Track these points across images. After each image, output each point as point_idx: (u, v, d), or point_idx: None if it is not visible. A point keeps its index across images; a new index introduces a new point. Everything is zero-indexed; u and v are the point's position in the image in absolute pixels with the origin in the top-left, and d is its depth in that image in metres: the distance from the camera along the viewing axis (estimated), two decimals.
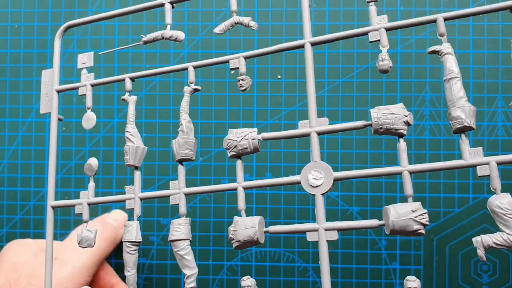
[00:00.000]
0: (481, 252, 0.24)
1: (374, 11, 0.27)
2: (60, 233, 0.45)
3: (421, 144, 0.43)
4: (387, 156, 0.43)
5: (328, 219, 0.44)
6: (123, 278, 0.44)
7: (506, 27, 0.44)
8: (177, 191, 0.29)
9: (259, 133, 0.28)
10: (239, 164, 0.28)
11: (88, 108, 0.31)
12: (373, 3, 0.27)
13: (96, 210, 0.45)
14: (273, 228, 0.27)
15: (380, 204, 0.43)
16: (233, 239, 0.27)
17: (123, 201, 0.30)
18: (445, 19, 0.26)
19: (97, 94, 0.46)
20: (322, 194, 0.26)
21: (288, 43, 0.28)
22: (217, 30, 0.30)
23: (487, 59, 0.44)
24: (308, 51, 0.28)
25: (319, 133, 0.27)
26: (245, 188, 0.28)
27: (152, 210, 0.45)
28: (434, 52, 0.26)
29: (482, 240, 0.24)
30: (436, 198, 0.43)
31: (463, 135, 0.25)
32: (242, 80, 0.28)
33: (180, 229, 0.29)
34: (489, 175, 0.24)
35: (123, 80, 0.31)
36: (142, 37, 0.31)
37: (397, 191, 0.43)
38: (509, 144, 0.43)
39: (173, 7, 0.31)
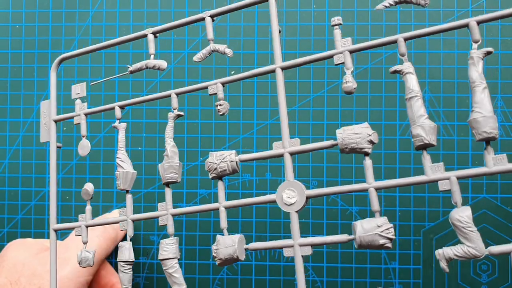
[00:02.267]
0: (443, 264, 0.25)
1: (339, 35, 0.28)
2: (61, 233, 0.46)
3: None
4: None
5: (328, 219, 0.44)
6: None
7: (505, 27, 0.44)
8: (165, 212, 0.32)
9: (237, 155, 0.29)
10: (220, 185, 0.30)
11: (83, 136, 0.33)
12: (337, 26, 0.28)
13: (96, 210, 0.45)
14: (252, 246, 0.28)
15: (380, 204, 0.43)
16: (215, 257, 0.28)
17: (118, 222, 0.33)
18: (405, 39, 0.27)
19: (98, 94, 0.46)
20: (296, 212, 0.27)
21: (260, 69, 0.30)
22: (196, 58, 0.32)
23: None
24: (279, 75, 0.30)
25: (291, 153, 0.29)
26: (226, 208, 0.30)
27: (153, 209, 0.45)
28: (396, 71, 0.27)
29: (443, 253, 0.25)
30: (435, 198, 0.43)
31: (424, 152, 0.26)
32: (220, 105, 0.30)
33: (168, 248, 0.31)
34: (449, 190, 0.25)
35: (113, 108, 0.33)
36: (128, 67, 0.33)
37: (396, 191, 0.43)
38: (509, 144, 0.43)
39: (155, 37, 0.32)
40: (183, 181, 0.45)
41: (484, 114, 0.25)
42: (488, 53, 0.26)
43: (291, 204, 0.28)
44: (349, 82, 0.28)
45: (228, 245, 0.28)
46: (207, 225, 0.44)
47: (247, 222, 0.44)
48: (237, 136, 0.45)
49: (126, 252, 0.32)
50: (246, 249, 0.29)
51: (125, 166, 0.32)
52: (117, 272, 0.43)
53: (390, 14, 0.44)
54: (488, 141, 0.25)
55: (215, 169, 0.30)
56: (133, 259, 0.32)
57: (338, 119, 0.44)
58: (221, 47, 0.31)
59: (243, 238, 0.29)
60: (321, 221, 0.44)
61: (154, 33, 0.32)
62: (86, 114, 0.33)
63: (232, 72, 0.45)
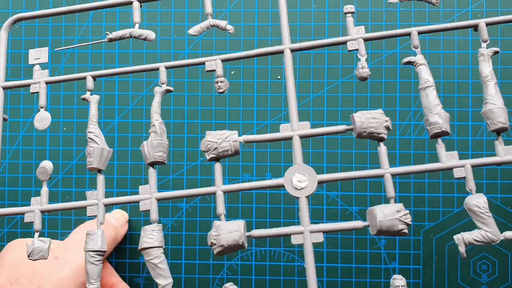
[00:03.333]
0: (462, 249, 0.25)
1: (352, 22, 0.28)
2: (61, 233, 0.46)
3: (420, 144, 0.43)
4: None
5: (328, 219, 0.44)
6: (123, 277, 0.44)
7: (505, 27, 0.44)
8: (148, 195, 0.28)
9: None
10: (217, 167, 0.27)
11: (41, 107, 0.29)
12: (350, 14, 0.28)
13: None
14: (256, 232, 0.26)
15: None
16: (215, 244, 0.26)
17: (84, 207, 0.28)
18: (419, 33, 0.28)
19: (98, 94, 0.46)
20: (307, 197, 0.26)
21: (268, 48, 0.29)
22: (191, 31, 0.30)
23: None
24: (288, 56, 0.29)
25: (301, 136, 0.27)
26: (225, 192, 0.27)
27: None
28: (409, 62, 0.28)
29: (463, 238, 0.26)
30: (435, 198, 0.43)
31: (439, 140, 0.27)
32: (221, 82, 0.29)
33: (153, 236, 0.28)
34: (465, 177, 0.26)
35: (84, 78, 0.29)
36: (108, 34, 0.29)
37: (397, 191, 0.43)
38: (509, 144, 0.43)
39: (141, 6, 0.30)
40: (183, 181, 0.45)
41: (499, 105, 0.26)
42: (496, 52, 0.28)
43: (301, 188, 0.26)
44: (365, 68, 0.28)
45: (232, 230, 0.26)
46: (207, 225, 0.44)
47: (246, 207, 0.44)
48: None
49: (98, 240, 0.27)
50: (249, 236, 0.26)
51: (99, 141, 0.28)
52: (117, 272, 0.43)
53: (390, 14, 0.44)
54: (499, 132, 0.26)
55: (215, 148, 0.27)
56: (105, 249, 0.28)
57: (338, 119, 0.44)
58: (222, 23, 0.29)
59: (246, 224, 0.27)
60: (321, 222, 0.44)
61: (140, 1, 0.30)
62: (47, 83, 0.29)
63: (232, 72, 0.45)
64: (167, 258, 0.45)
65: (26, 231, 0.46)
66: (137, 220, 0.45)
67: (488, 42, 0.28)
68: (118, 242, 0.42)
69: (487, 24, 0.28)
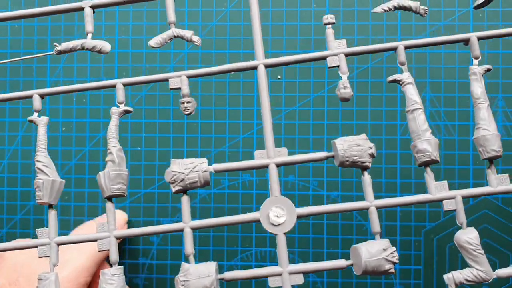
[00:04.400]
0: None
1: (332, 35, 0.25)
2: (60, 233, 0.45)
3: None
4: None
5: (328, 219, 0.44)
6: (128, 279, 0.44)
7: (506, 27, 0.43)
8: (107, 234, 0.25)
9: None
10: (184, 201, 0.24)
11: None
12: (329, 25, 0.25)
13: (96, 210, 0.45)
14: (229, 275, 0.23)
15: None
16: None
17: (35, 246, 0.25)
18: (406, 47, 0.26)
19: (97, 94, 0.46)
20: (285, 234, 0.24)
21: (241, 63, 0.26)
22: (151, 43, 0.26)
23: (486, 59, 0.44)
24: (262, 73, 0.26)
25: (278, 165, 0.25)
26: (193, 228, 0.24)
27: (152, 210, 0.45)
28: (395, 81, 0.26)
29: (453, 277, 0.24)
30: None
31: (428, 169, 0.25)
32: (187, 102, 0.25)
33: (113, 281, 0.24)
34: (455, 210, 0.24)
35: (31, 96, 0.26)
36: (56, 45, 0.26)
37: (397, 191, 0.43)
38: (509, 144, 0.43)
39: (94, 12, 0.26)
40: None
41: (492, 131, 0.25)
42: (488, 70, 0.25)
43: (279, 224, 0.24)
44: (347, 88, 0.25)
45: (203, 275, 0.23)
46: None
47: (246, 208, 0.44)
48: (237, 136, 0.45)
49: (51, 286, 0.24)
50: (221, 279, 0.23)
51: (49, 172, 0.25)
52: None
53: (390, 14, 0.44)
54: (492, 159, 0.24)
55: (182, 180, 0.24)
56: None
57: (339, 119, 0.44)
58: (187, 34, 0.26)
59: (217, 265, 0.24)
60: (321, 222, 0.44)
61: (92, 7, 0.26)
62: None
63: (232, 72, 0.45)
64: (167, 259, 0.45)
65: (25, 231, 0.46)
66: (137, 220, 0.45)
67: (479, 58, 0.25)
68: (117, 242, 0.42)
69: (479, 39, 0.25)
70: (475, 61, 0.25)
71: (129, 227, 0.45)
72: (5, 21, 0.28)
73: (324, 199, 0.44)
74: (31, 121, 0.26)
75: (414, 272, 0.43)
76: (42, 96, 0.26)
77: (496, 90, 0.43)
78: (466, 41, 0.25)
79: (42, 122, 0.26)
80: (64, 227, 0.45)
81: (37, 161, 0.25)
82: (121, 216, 0.44)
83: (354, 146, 0.24)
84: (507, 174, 0.24)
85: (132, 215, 0.45)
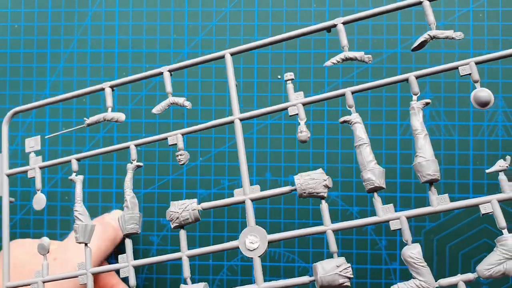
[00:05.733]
0: None
1: (292, 89, 0.30)
2: (60, 233, 0.45)
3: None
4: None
5: None
6: (123, 279, 0.44)
7: (506, 26, 0.44)
8: (126, 264, 0.31)
9: (199, 203, 0.30)
10: (182, 234, 0.30)
11: (38, 190, 0.33)
12: (290, 81, 0.30)
13: (96, 210, 0.45)
14: None
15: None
16: None
17: (76, 276, 0.31)
18: (353, 92, 0.30)
19: (97, 94, 0.46)
20: (259, 257, 0.28)
21: (219, 120, 0.32)
22: (155, 110, 0.32)
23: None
24: (238, 126, 0.31)
25: (252, 200, 0.30)
26: (189, 256, 0.30)
27: (152, 210, 0.45)
28: (345, 122, 0.30)
29: None
30: None
31: (375, 194, 0.28)
32: (181, 155, 0.31)
33: None
34: (400, 229, 0.27)
35: (69, 161, 0.32)
36: (85, 120, 0.32)
37: (397, 191, 0.43)
38: (509, 144, 0.43)
39: (113, 90, 0.33)
40: (182, 181, 0.45)
41: (427, 158, 0.28)
42: (427, 103, 0.29)
43: (254, 249, 0.28)
44: (304, 131, 0.29)
45: None
46: (207, 226, 0.44)
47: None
48: None
49: None
50: None
51: (83, 219, 0.32)
52: (117, 274, 0.43)
53: (390, 14, 0.44)
54: (431, 182, 0.28)
55: (177, 218, 0.30)
56: None
57: (339, 119, 0.44)
58: (180, 100, 0.32)
59: (208, 286, 0.29)
60: (321, 222, 0.44)
61: (111, 87, 0.33)
62: (40, 168, 0.33)
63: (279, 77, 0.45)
64: None
65: (26, 231, 0.46)
66: None
67: (418, 94, 0.28)
68: (117, 243, 0.42)
69: (417, 77, 0.29)
70: (414, 97, 0.28)
71: None
72: (47, 105, 0.34)
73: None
74: (71, 180, 0.32)
75: None
76: (78, 159, 0.32)
77: (496, 90, 0.43)
78: (406, 80, 0.29)
79: (79, 180, 0.32)
80: (65, 227, 0.45)
81: (75, 210, 0.32)
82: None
83: (309, 180, 0.28)
84: (446, 194, 0.27)
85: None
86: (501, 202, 0.27)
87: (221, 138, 0.45)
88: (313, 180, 0.28)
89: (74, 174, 0.32)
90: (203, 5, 0.46)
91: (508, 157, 0.28)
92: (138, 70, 0.46)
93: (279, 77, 0.45)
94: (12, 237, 0.46)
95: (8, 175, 0.33)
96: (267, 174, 0.44)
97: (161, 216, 0.44)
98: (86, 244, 0.31)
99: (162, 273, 0.45)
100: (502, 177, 0.27)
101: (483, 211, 0.27)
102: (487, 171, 0.28)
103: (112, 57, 0.46)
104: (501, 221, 0.26)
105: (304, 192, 0.28)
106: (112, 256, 0.45)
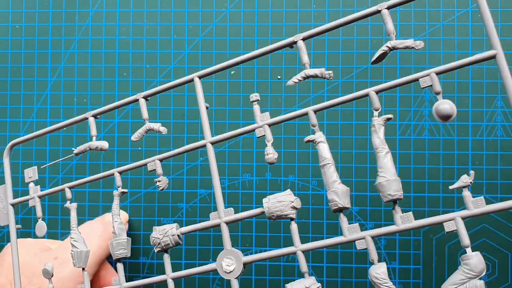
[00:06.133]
0: None
1: (258, 110, 0.30)
2: (61, 233, 0.46)
3: (420, 144, 0.43)
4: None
5: (328, 218, 0.44)
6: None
7: (505, 27, 0.44)
8: (118, 287, 0.32)
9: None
10: (166, 258, 0.31)
11: (39, 218, 0.34)
12: (256, 102, 0.30)
13: (96, 210, 0.45)
14: None
15: (380, 204, 0.43)
16: None
17: None
18: (315, 111, 0.29)
19: (98, 94, 0.46)
20: (236, 278, 0.29)
21: (192, 145, 0.32)
22: (133, 138, 0.33)
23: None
24: (210, 150, 0.32)
25: (227, 222, 0.30)
26: (174, 279, 0.31)
27: (153, 209, 0.45)
28: (309, 141, 0.29)
29: None
30: (435, 198, 0.43)
31: (341, 214, 0.28)
32: (159, 181, 0.31)
33: None
34: (366, 248, 0.27)
35: (63, 190, 0.34)
36: (73, 150, 0.34)
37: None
38: (509, 144, 0.43)
39: (96, 118, 0.33)
40: (183, 181, 0.45)
41: (388, 178, 0.27)
42: (388, 119, 0.28)
43: (230, 271, 0.29)
44: (270, 153, 0.29)
45: None
46: (207, 239, 0.44)
47: (246, 208, 0.44)
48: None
49: None
50: None
51: (78, 245, 0.33)
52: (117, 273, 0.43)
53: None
54: (395, 201, 0.27)
55: (159, 244, 0.31)
56: None
57: (338, 119, 0.44)
58: (156, 126, 0.33)
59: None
60: (321, 221, 0.44)
61: (94, 115, 0.33)
62: (39, 197, 0.34)
63: (232, 72, 0.45)
64: None
65: (26, 231, 0.46)
66: (137, 220, 0.45)
67: (379, 110, 0.28)
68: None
69: (377, 92, 0.28)
70: (375, 113, 0.28)
71: (129, 226, 0.45)
72: (45, 134, 0.36)
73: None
74: (66, 207, 0.33)
75: (413, 272, 0.43)
76: (70, 187, 0.34)
77: (495, 90, 0.43)
78: (366, 95, 0.28)
79: (73, 207, 0.33)
80: (66, 227, 0.46)
81: (71, 237, 0.33)
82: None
83: (276, 203, 0.29)
84: (410, 212, 0.27)
85: (132, 215, 0.45)
86: (465, 219, 0.26)
87: None
88: (280, 202, 0.29)
89: (68, 202, 0.33)
90: (203, 6, 0.46)
91: (472, 172, 0.27)
92: (138, 70, 0.46)
93: (279, 77, 0.45)
94: None
95: (13, 205, 0.35)
96: (267, 174, 0.44)
97: (161, 215, 0.45)
98: (83, 269, 0.32)
99: (162, 272, 0.44)
100: (466, 193, 0.26)
101: (447, 229, 0.26)
102: (450, 187, 0.27)
103: (113, 57, 0.46)
104: (465, 239, 0.25)
105: (273, 215, 0.29)
106: None
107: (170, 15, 0.46)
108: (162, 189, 0.31)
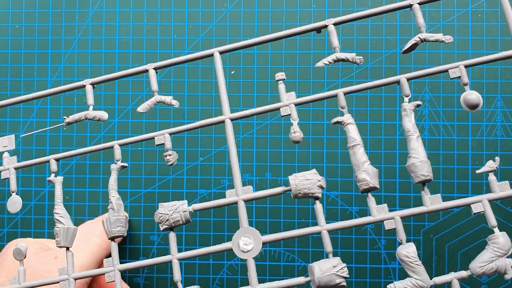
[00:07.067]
0: None
1: (283, 89, 0.30)
2: None
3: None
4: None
5: (328, 218, 0.44)
6: (123, 277, 0.44)
7: (505, 27, 0.44)
8: (111, 268, 0.29)
9: (189, 204, 0.29)
10: (171, 236, 0.29)
11: (13, 192, 0.31)
12: (281, 81, 0.30)
13: (96, 210, 0.45)
14: None
15: (380, 203, 0.43)
16: None
17: (57, 282, 0.29)
18: (345, 93, 0.30)
19: (98, 94, 0.46)
20: (253, 258, 0.28)
21: (209, 120, 0.31)
22: (140, 109, 0.31)
23: None
24: (229, 126, 0.31)
25: (245, 200, 0.29)
26: (180, 259, 0.29)
27: (153, 209, 0.45)
28: (337, 122, 0.30)
29: (395, 287, 0.27)
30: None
31: (369, 194, 0.28)
32: (169, 155, 0.30)
33: None
34: (394, 228, 0.28)
35: (48, 161, 0.31)
36: (65, 118, 0.31)
37: (396, 191, 0.43)
38: (508, 144, 0.43)
39: (94, 87, 0.31)
40: (183, 181, 0.45)
41: (420, 159, 0.28)
42: (418, 105, 0.29)
43: (248, 251, 0.28)
44: (297, 132, 0.30)
45: None
46: (207, 225, 0.44)
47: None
48: (237, 136, 0.45)
49: None
50: None
51: (65, 221, 0.30)
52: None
53: (390, 15, 0.44)
54: (424, 182, 0.28)
55: (167, 220, 0.29)
56: None
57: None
58: (167, 99, 0.31)
59: None
60: None
61: (92, 84, 0.31)
62: (16, 168, 0.31)
63: (232, 72, 0.45)
64: None
65: (26, 231, 0.46)
66: (137, 220, 0.45)
67: (409, 96, 0.29)
68: (118, 241, 0.42)
69: (408, 79, 0.29)
70: (406, 99, 0.29)
71: (129, 226, 0.45)
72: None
73: (324, 198, 0.44)
74: (50, 181, 0.31)
75: None
76: (57, 159, 0.31)
77: (495, 90, 0.43)
78: (397, 81, 0.29)
79: (58, 181, 0.31)
80: None
81: (55, 213, 0.30)
82: None
83: (304, 180, 0.28)
84: (439, 194, 0.28)
85: (132, 215, 0.45)
86: (492, 201, 0.27)
87: (221, 138, 0.45)
88: (308, 180, 0.28)
89: (53, 175, 0.31)
90: (203, 6, 0.46)
91: (497, 158, 0.28)
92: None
93: None
94: (13, 236, 0.46)
95: None
96: (267, 174, 0.44)
97: None
98: (67, 248, 0.30)
99: (162, 272, 0.45)
100: (491, 177, 0.28)
101: (474, 210, 0.27)
102: (477, 171, 0.28)
103: (113, 57, 0.46)
104: (492, 220, 0.27)
105: (299, 193, 0.28)
106: None
107: (170, 15, 0.46)
108: (171, 164, 0.30)
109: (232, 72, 0.45)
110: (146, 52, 0.46)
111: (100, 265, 0.41)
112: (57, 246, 0.30)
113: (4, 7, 0.47)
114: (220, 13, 0.46)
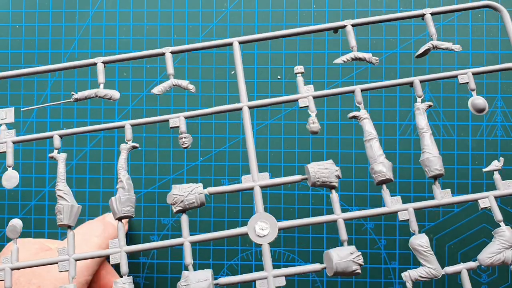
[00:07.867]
0: (409, 285, 0.28)
1: (302, 81, 0.31)
2: (61, 233, 0.46)
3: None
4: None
5: None
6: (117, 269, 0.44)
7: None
8: (118, 249, 0.29)
9: (204, 187, 0.29)
10: (184, 219, 0.29)
11: (9, 167, 0.29)
12: (300, 74, 0.31)
13: (96, 210, 0.45)
14: (223, 280, 0.28)
15: (380, 203, 0.43)
16: None
17: (56, 263, 0.29)
18: (362, 90, 0.31)
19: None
20: (268, 244, 0.28)
21: (227, 106, 0.32)
22: (155, 91, 0.31)
23: (486, 60, 0.44)
24: (246, 113, 0.31)
25: (262, 187, 0.29)
26: (192, 242, 0.29)
27: (153, 209, 0.45)
28: (354, 117, 0.31)
29: (410, 275, 0.28)
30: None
31: (384, 186, 0.30)
32: (185, 137, 0.30)
33: None
34: (408, 219, 0.29)
35: (51, 137, 0.30)
36: (73, 94, 0.30)
37: (397, 191, 0.43)
38: (508, 144, 0.43)
39: (105, 66, 0.31)
40: (183, 181, 0.45)
41: (434, 154, 0.30)
42: (429, 106, 0.31)
43: (263, 236, 0.28)
44: (316, 122, 0.31)
45: (201, 279, 0.27)
46: (207, 225, 0.44)
47: (246, 207, 0.44)
48: (237, 136, 0.45)
49: None
50: (216, 284, 0.28)
51: (68, 198, 0.29)
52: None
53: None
54: (437, 177, 0.29)
55: (182, 201, 0.29)
56: None
57: (338, 119, 0.44)
58: (184, 83, 0.31)
59: (213, 272, 0.29)
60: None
61: (104, 62, 0.31)
62: (14, 142, 0.30)
63: (232, 72, 0.45)
64: (168, 258, 0.45)
65: (26, 231, 0.46)
66: (137, 220, 0.45)
67: (422, 97, 0.31)
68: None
69: (421, 81, 0.31)
70: (419, 100, 0.31)
71: (130, 226, 0.45)
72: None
73: (324, 198, 0.44)
74: (51, 157, 0.29)
75: None
76: (61, 136, 0.30)
77: (495, 90, 0.43)
78: (411, 83, 0.31)
79: (61, 158, 0.30)
80: None
81: (58, 189, 0.29)
82: None
83: (323, 169, 0.29)
84: (449, 189, 0.29)
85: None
86: (497, 198, 0.29)
87: (221, 138, 0.45)
88: (327, 169, 0.29)
89: (56, 151, 0.30)
90: (203, 6, 0.46)
91: (501, 158, 0.30)
92: (138, 70, 0.46)
93: (279, 77, 0.45)
94: None
95: None
96: (268, 174, 0.44)
97: (161, 215, 0.45)
98: (70, 227, 0.29)
99: (162, 272, 0.45)
100: (496, 176, 0.30)
101: (482, 205, 0.29)
102: (483, 170, 0.30)
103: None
104: (498, 215, 0.29)
105: (318, 181, 0.29)
106: None
107: (170, 15, 0.46)
108: (186, 147, 0.30)
109: (232, 72, 0.45)
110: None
111: (100, 265, 0.41)
112: (58, 225, 0.29)
113: (4, 7, 0.47)
114: (220, 13, 0.46)
